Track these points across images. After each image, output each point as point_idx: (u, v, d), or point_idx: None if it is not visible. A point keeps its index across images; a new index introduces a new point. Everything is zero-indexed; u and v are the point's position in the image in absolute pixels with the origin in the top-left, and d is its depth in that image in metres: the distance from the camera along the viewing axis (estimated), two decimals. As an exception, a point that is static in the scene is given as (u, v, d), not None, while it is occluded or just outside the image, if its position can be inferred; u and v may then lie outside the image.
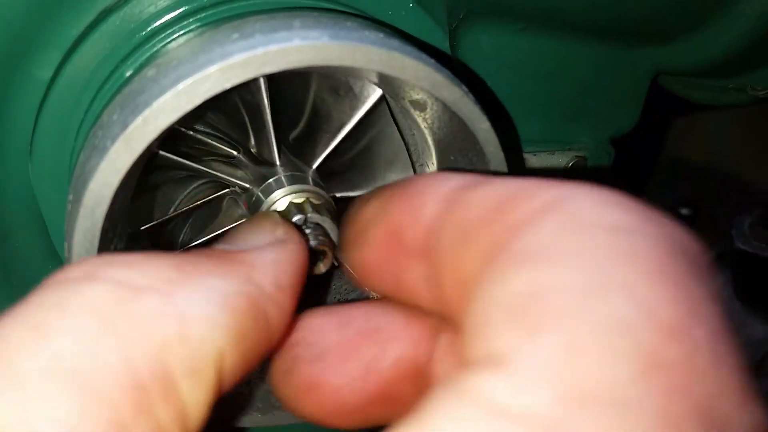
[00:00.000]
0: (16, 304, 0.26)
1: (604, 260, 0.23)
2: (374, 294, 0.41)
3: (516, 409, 0.20)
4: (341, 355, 0.35)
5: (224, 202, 0.56)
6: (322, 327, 0.37)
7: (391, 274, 0.33)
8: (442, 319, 0.34)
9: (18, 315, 0.26)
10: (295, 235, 0.37)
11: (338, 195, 0.50)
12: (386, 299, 0.37)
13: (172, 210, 0.58)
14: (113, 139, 0.36)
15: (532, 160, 0.62)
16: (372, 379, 0.35)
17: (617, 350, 0.21)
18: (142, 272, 0.28)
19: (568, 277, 0.22)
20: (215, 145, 0.51)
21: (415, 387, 0.35)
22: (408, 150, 0.50)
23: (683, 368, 0.21)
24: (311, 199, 0.45)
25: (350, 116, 0.47)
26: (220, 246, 0.35)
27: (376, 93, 0.46)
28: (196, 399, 0.27)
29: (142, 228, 0.53)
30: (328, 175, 0.49)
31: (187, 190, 0.59)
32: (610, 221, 0.24)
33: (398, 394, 0.35)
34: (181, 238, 0.60)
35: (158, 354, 0.25)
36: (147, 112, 0.35)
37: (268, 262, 0.33)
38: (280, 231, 0.37)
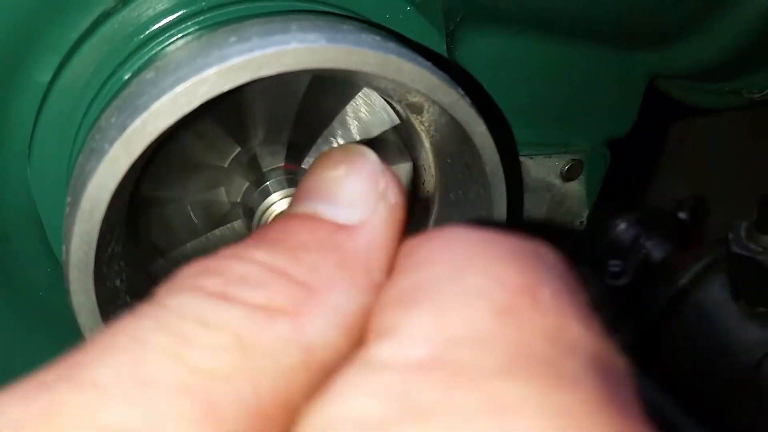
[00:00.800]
0: (147, 302, 0.26)
1: (467, 256, 0.27)
2: None
3: (399, 361, 0.24)
4: None
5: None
6: None
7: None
8: None
9: (157, 316, 0.25)
10: (400, 193, 0.32)
11: None
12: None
13: None
14: (111, 142, 0.36)
15: (529, 163, 0.62)
16: None
17: (474, 306, 0.25)
18: (274, 293, 0.26)
19: (438, 271, 0.27)
20: (215, 142, 0.51)
21: None
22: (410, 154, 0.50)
23: (530, 310, 0.25)
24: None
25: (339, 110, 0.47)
26: (322, 207, 0.30)
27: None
28: None
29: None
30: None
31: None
32: (474, 237, 0.29)
33: None
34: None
35: (283, 383, 0.25)
36: (145, 115, 0.35)
37: (379, 246, 0.30)
38: (383, 184, 0.31)
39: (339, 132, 0.49)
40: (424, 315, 0.25)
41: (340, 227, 0.30)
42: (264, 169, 0.48)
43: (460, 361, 0.24)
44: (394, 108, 0.48)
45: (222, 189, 0.54)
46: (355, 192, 0.31)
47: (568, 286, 0.27)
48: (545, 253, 0.29)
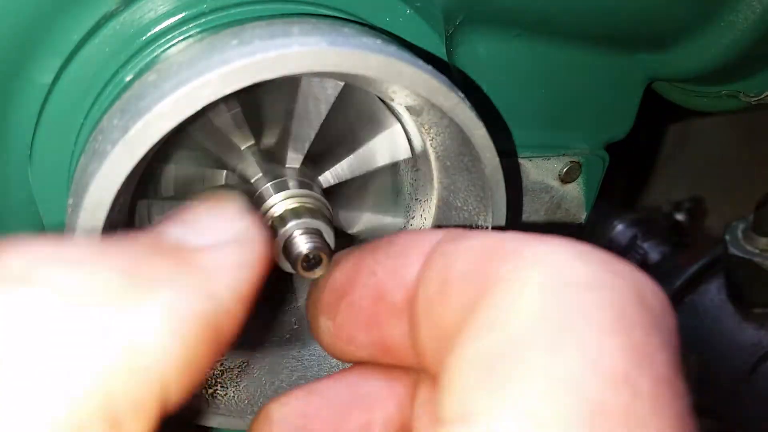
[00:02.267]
0: None
1: (565, 318, 0.25)
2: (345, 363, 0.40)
3: None
4: (332, 430, 0.36)
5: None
6: (307, 409, 0.36)
7: (375, 335, 0.34)
8: (420, 374, 0.36)
9: None
10: (259, 233, 0.32)
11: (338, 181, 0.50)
12: (360, 364, 0.37)
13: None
14: (113, 144, 0.36)
15: (527, 165, 0.63)
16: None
17: (563, 401, 0.23)
18: (90, 277, 0.24)
19: (531, 335, 0.25)
20: (228, 137, 0.51)
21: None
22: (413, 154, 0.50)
23: (625, 413, 0.23)
24: (307, 204, 0.45)
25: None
26: (177, 228, 0.30)
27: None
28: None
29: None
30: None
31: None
32: (578, 278, 0.26)
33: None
34: None
35: (102, 388, 0.22)
36: (147, 117, 0.36)
37: (230, 267, 0.29)
38: (244, 224, 0.31)
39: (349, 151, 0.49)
40: (512, 409, 0.24)
41: (186, 246, 0.29)
42: (276, 166, 0.48)
43: None
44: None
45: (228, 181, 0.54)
46: (210, 222, 0.31)
47: (672, 367, 0.25)
48: (648, 292, 0.27)
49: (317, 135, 0.47)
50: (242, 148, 0.50)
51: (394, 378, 0.37)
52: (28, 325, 0.22)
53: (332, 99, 0.46)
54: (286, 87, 0.45)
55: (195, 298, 0.26)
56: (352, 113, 0.49)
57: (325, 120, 0.47)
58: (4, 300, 0.22)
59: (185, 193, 0.49)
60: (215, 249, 0.29)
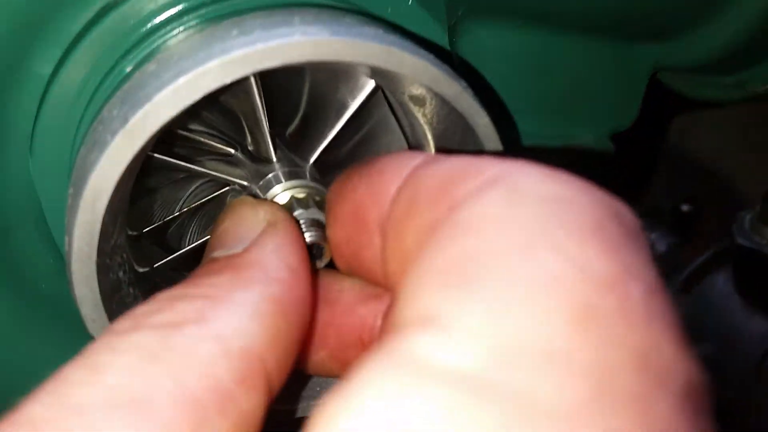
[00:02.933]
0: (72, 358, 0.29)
1: (538, 224, 0.23)
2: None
3: (445, 367, 0.20)
4: None
5: (228, 198, 0.56)
6: None
7: (352, 250, 0.36)
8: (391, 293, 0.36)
9: (74, 360, 0.28)
10: (278, 211, 0.38)
11: None
12: (351, 274, 0.39)
13: (177, 209, 0.58)
14: (113, 133, 0.36)
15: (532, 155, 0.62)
16: (321, 342, 0.38)
17: (548, 304, 0.20)
18: (177, 311, 0.30)
19: (500, 240, 0.23)
20: (212, 144, 0.52)
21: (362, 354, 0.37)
22: (408, 144, 0.50)
23: (618, 319, 0.20)
24: (310, 194, 0.45)
25: (349, 104, 0.47)
26: (217, 252, 0.36)
27: (369, 84, 0.46)
28: (251, 404, 0.29)
29: (145, 230, 0.54)
30: (327, 168, 0.50)
31: (190, 190, 0.59)
32: (546, 192, 0.24)
33: (347, 358, 0.38)
34: (188, 236, 0.60)
35: (206, 370, 0.28)
36: (147, 107, 0.35)
37: (271, 252, 0.34)
38: (262, 213, 0.38)
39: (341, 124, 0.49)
40: (480, 307, 0.21)
41: (232, 255, 0.35)
42: (264, 164, 0.48)
43: (521, 387, 0.19)
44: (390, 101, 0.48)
45: (225, 185, 0.55)
46: (238, 230, 0.37)
47: (658, 279, 0.23)
48: (625, 213, 0.25)
49: (294, 118, 0.47)
50: (228, 155, 0.50)
51: (368, 294, 0.39)
52: (141, 349, 0.28)
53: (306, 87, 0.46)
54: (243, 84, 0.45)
55: (259, 286, 0.32)
56: (324, 82, 0.48)
57: (297, 101, 0.47)
58: (122, 339, 0.29)
59: None
60: (254, 245, 0.35)
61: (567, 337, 0.20)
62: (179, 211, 0.57)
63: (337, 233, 0.38)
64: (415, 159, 0.32)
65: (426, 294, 0.23)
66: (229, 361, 0.29)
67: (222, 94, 0.37)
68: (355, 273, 0.38)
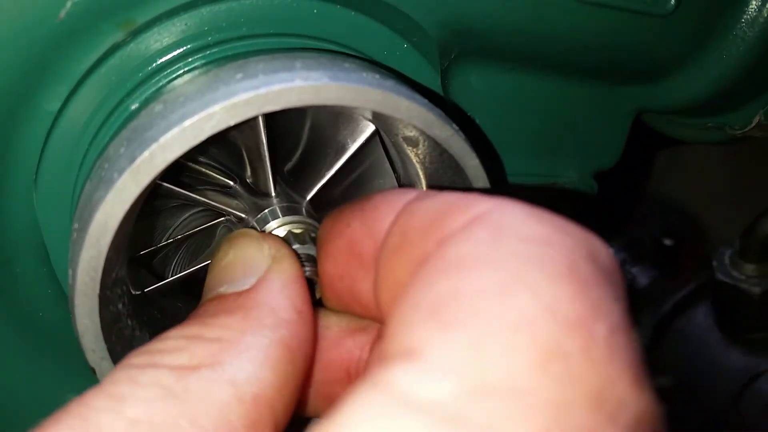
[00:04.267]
0: (94, 386, 0.30)
1: (516, 265, 0.25)
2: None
3: (422, 399, 0.22)
4: None
5: (218, 230, 0.57)
6: None
7: (347, 285, 0.36)
8: (383, 328, 0.37)
9: (97, 388, 0.30)
10: (283, 247, 0.39)
11: None
12: (341, 310, 0.40)
13: (166, 236, 0.59)
14: (120, 172, 0.37)
15: (519, 193, 0.64)
16: (307, 381, 0.39)
17: (517, 343, 0.22)
18: (192, 354, 0.32)
19: (482, 281, 0.24)
20: (212, 176, 0.53)
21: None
22: (399, 183, 0.52)
23: (579, 358, 0.22)
24: (306, 230, 0.47)
25: (348, 146, 0.49)
26: (224, 288, 0.37)
27: (369, 127, 0.48)
28: None
29: (139, 254, 0.55)
30: (321, 206, 0.51)
31: (182, 218, 0.60)
32: (527, 232, 0.26)
33: (333, 394, 0.39)
34: (174, 264, 0.61)
35: (220, 415, 0.29)
36: (154, 147, 0.37)
37: (279, 293, 0.35)
38: (267, 248, 0.38)
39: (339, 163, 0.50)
40: (459, 344, 0.23)
41: (240, 294, 0.36)
42: (262, 198, 0.50)
43: (487, 421, 0.21)
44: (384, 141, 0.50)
45: (218, 216, 0.56)
46: (244, 266, 0.37)
47: (624, 318, 0.24)
48: (600, 251, 0.27)
49: (293, 155, 0.48)
50: (227, 186, 0.52)
51: (356, 330, 0.39)
52: (161, 386, 0.30)
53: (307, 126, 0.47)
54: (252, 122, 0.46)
55: (269, 331, 0.33)
56: (325, 122, 0.50)
57: (297, 139, 0.48)
58: (141, 372, 0.30)
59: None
60: (261, 283, 0.36)
61: (530, 376, 0.22)
62: (170, 238, 0.58)
63: (329, 269, 0.38)
64: (408, 195, 0.34)
65: (411, 328, 0.25)
66: (241, 407, 0.30)
67: (227, 129, 0.38)
68: (347, 308, 0.39)
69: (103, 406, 0.28)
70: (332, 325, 0.40)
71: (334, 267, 0.38)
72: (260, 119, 0.45)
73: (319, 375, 0.39)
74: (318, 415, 0.41)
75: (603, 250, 0.27)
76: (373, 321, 0.38)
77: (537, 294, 0.24)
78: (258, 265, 0.37)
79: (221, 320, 0.34)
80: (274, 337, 0.33)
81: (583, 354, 0.22)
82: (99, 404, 0.29)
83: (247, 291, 0.36)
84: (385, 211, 0.34)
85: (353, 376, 0.39)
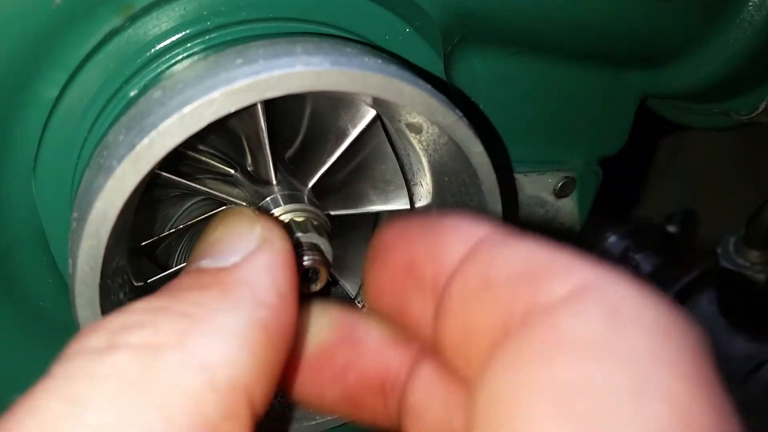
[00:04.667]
0: (42, 377, 0.27)
1: (644, 362, 0.24)
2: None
3: None
4: (318, 353, 0.37)
5: None
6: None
7: (398, 301, 0.35)
8: (428, 350, 0.36)
9: (48, 388, 0.26)
10: (275, 228, 0.36)
11: (332, 213, 0.51)
12: (382, 318, 0.38)
13: (169, 226, 0.59)
14: (119, 160, 0.37)
15: (523, 180, 0.64)
16: (337, 381, 0.37)
17: None
18: (156, 329, 0.28)
19: (612, 375, 0.24)
20: (213, 164, 0.53)
21: (381, 401, 0.36)
22: (403, 170, 0.51)
23: None
24: (308, 218, 0.46)
25: (349, 132, 0.48)
26: (206, 261, 0.34)
27: (370, 113, 0.47)
28: None
29: (140, 244, 0.54)
30: (323, 193, 0.51)
31: (184, 207, 0.60)
32: (647, 319, 0.25)
33: (363, 402, 0.37)
34: (177, 254, 0.61)
35: (194, 406, 0.27)
36: (153, 134, 0.36)
37: (263, 272, 0.33)
38: (259, 228, 0.35)
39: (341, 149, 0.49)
40: None
41: (221, 269, 0.33)
42: (263, 186, 0.49)
43: None
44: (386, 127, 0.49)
45: (220, 205, 0.55)
46: (230, 242, 0.34)
47: (734, 412, 0.25)
48: (700, 338, 0.26)
49: (293, 142, 0.48)
50: (228, 175, 0.51)
51: (396, 342, 0.37)
52: (122, 378, 0.26)
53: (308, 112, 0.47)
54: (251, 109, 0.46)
55: (246, 311, 0.30)
56: (325, 108, 0.49)
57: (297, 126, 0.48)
58: (98, 362, 0.27)
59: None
60: (245, 261, 0.33)
61: None
62: (173, 228, 0.58)
63: (382, 280, 0.36)
64: (482, 228, 0.32)
65: (538, 421, 0.24)
66: (216, 396, 0.27)
67: (227, 116, 0.37)
68: (391, 320, 0.37)
69: (60, 414, 0.25)
70: (372, 330, 0.38)
71: (388, 279, 0.35)
72: (259, 106, 0.45)
73: (352, 380, 0.37)
74: (334, 414, 0.38)
75: (703, 337, 0.27)
76: (417, 340, 0.36)
77: (671, 400, 0.23)
78: (245, 244, 0.34)
79: (194, 294, 0.31)
80: (251, 319, 0.30)
81: None
82: (55, 412, 0.25)
83: (229, 268, 0.33)
84: (456, 241, 0.32)
85: (388, 392, 0.36)
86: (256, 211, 0.37)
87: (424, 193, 0.52)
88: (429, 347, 0.34)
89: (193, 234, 0.60)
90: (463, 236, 0.32)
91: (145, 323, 0.29)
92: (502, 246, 0.30)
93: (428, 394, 0.35)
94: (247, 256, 0.33)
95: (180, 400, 0.26)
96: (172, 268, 0.53)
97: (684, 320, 0.26)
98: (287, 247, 0.35)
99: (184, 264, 0.51)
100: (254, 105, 0.44)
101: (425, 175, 0.51)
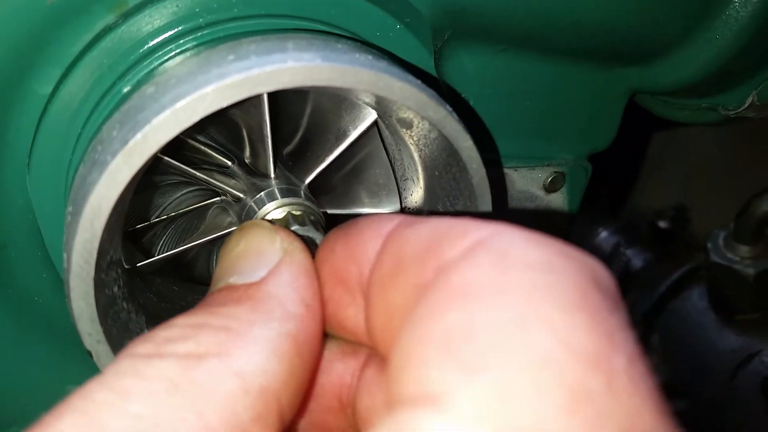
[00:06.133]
0: (96, 376, 0.30)
1: (527, 296, 0.25)
2: None
3: None
4: None
5: (210, 211, 0.57)
6: None
7: (332, 309, 0.36)
8: (370, 354, 0.37)
9: (99, 381, 0.29)
10: (296, 241, 0.38)
11: (328, 212, 0.52)
12: (327, 333, 0.39)
13: (156, 214, 0.59)
14: (113, 154, 0.37)
15: (513, 175, 0.64)
16: (300, 413, 0.38)
17: (542, 384, 0.23)
18: (197, 342, 0.31)
19: (494, 313, 0.25)
20: (211, 154, 0.53)
21: (343, 419, 0.38)
22: (393, 166, 0.52)
23: (605, 395, 0.23)
24: (306, 213, 0.47)
25: (350, 132, 0.49)
26: (234, 278, 0.36)
27: (371, 115, 0.48)
28: None
29: (129, 229, 0.55)
30: (317, 192, 0.51)
31: (174, 197, 0.60)
32: (531, 258, 0.26)
33: (326, 424, 0.38)
34: (162, 242, 0.61)
35: (227, 407, 0.29)
36: (147, 129, 0.37)
37: (289, 285, 0.35)
38: (279, 241, 0.38)
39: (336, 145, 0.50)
40: (486, 388, 0.23)
41: (250, 285, 0.35)
42: (261, 179, 0.50)
43: None
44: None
45: (212, 196, 0.56)
46: (255, 257, 0.37)
47: (637, 346, 0.25)
48: (602, 275, 0.27)
49: (293, 138, 0.48)
50: (224, 166, 0.52)
51: (346, 354, 0.39)
52: (166, 378, 0.29)
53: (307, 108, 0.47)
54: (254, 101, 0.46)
55: (278, 323, 0.33)
56: (327, 107, 0.50)
57: (298, 122, 0.48)
58: (145, 363, 0.30)
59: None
60: (271, 275, 0.35)
61: (560, 420, 0.22)
62: (161, 216, 0.58)
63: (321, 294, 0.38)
64: (393, 221, 0.34)
65: (427, 368, 0.25)
66: (248, 399, 0.30)
67: (227, 107, 0.38)
68: (333, 333, 0.38)
69: (106, 401, 0.28)
70: (324, 349, 0.39)
71: (324, 293, 0.37)
72: (264, 98, 0.45)
73: (313, 403, 0.38)
74: None
75: (605, 274, 0.27)
76: (361, 345, 0.38)
77: (553, 328, 0.24)
78: (269, 257, 0.37)
79: (229, 309, 0.34)
80: (282, 330, 0.33)
81: (608, 390, 0.23)
82: (102, 398, 0.28)
83: (257, 282, 0.35)
84: (370, 236, 0.34)
85: (345, 404, 0.38)
86: (273, 223, 0.40)
87: (415, 188, 0.53)
88: (369, 347, 0.35)
89: (179, 225, 0.61)
90: (376, 232, 0.34)
91: (187, 336, 0.32)
92: (408, 229, 0.32)
93: (372, 396, 0.36)
94: (273, 270, 0.36)
95: (215, 400, 0.29)
96: (155, 255, 0.54)
97: (575, 256, 0.27)
98: (308, 258, 0.38)
99: (175, 251, 0.51)
100: (259, 97, 0.45)
101: (416, 169, 0.52)
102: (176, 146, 0.50)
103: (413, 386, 0.25)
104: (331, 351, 0.39)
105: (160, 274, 0.55)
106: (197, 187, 0.59)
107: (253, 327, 0.32)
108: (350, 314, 0.36)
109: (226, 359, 0.31)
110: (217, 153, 0.53)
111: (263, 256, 0.37)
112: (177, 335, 0.32)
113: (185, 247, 0.51)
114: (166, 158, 0.45)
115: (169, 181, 0.58)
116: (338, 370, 0.38)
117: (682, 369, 1.10)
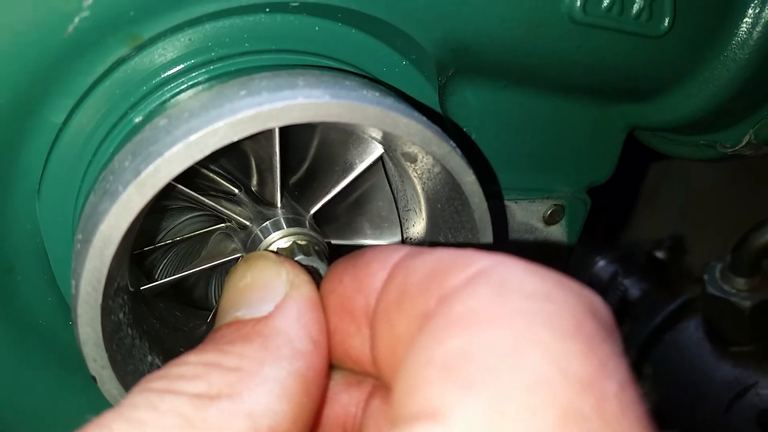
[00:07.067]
0: (113, 408, 0.30)
1: (525, 323, 0.26)
2: None
3: None
4: None
5: (212, 237, 0.58)
6: None
7: (338, 340, 0.37)
8: (376, 384, 0.38)
9: (115, 412, 0.30)
10: (302, 273, 0.39)
11: (332, 242, 0.52)
12: (332, 364, 0.40)
13: (159, 238, 0.60)
14: (125, 185, 0.38)
15: (513, 207, 0.65)
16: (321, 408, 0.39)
17: (535, 404, 0.24)
18: (210, 382, 0.32)
19: (492, 339, 0.26)
20: (219, 182, 0.54)
21: None
22: (395, 198, 0.53)
23: (595, 417, 0.24)
24: (311, 242, 0.47)
25: (356, 165, 0.50)
26: (241, 312, 0.37)
27: (378, 149, 0.49)
28: None
29: (134, 252, 0.55)
30: (321, 222, 0.52)
31: (177, 222, 0.61)
32: (530, 288, 0.27)
33: None
34: (161, 266, 0.61)
35: None
36: (159, 161, 0.38)
37: (296, 321, 0.36)
38: (285, 274, 0.38)
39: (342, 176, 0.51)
40: (481, 406, 0.24)
41: (259, 320, 0.36)
42: (267, 208, 0.50)
43: None
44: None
45: (216, 223, 0.57)
46: (262, 290, 0.37)
47: (629, 374, 0.26)
48: (599, 306, 0.28)
49: (299, 168, 0.49)
50: (231, 194, 0.52)
51: (351, 384, 0.39)
52: (180, 414, 0.30)
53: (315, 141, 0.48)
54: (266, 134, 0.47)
55: (287, 361, 0.33)
56: (335, 140, 0.51)
57: (305, 153, 0.49)
58: (160, 398, 0.31)
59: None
60: (278, 310, 0.36)
61: None
62: (165, 239, 0.59)
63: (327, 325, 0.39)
64: (399, 252, 0.35)
65: (428, 388, 0.26)
66: None
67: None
68: (339, 363, 0.39)
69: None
70: (329, 379, 0.40)
71: (330, 324, 0.38)
72: (276, 131, 0.46)
73: None
74: None
75: (601, 305, 0.29)
76: (367, 376, 0.38)
77: (548, 353, 0.25)
78: (276, 290, 0.37)
79: (239, 348, 0.34)
80: (291, 369, 0.33)
81: (598, 413, 0.24)
82: (118, 429, 0.29)
83: (265, 318, 0.36)
84: (377, 268, 0.35)
85: None
86: (279, 255, 0.40)
87: (417, 219, 0.54)
88: (375, 378, 0.36)
89: (180, 250, 0.61)
90: (384, 263, 0.34)
91: (200, 376, 0.32)
92: (414, 259, 0.33)
93: (378, 426, 0.37)
94: (280, 304, 0.36)
95: None
96: (156, 277, 0.54)
97: (572, 288, 0.28)
98: (314, 291, 0.38)
99: (176, 276, 0.52)
100: (271, 129, 0.46)
101: (419, 201, 0.53)
102: (185, 173, 0.50)
103: (414, 405, 0.26)
104: (336, 382, 0.39)
105: (161, 298, 0.56)
106: (202, 213, 0.59)
107: (263, 367, 0.33)
108: (356, 344, 0.36)
109: (238, 400, 0.31)
110: (224, 180, 0.54)
111: (270, 289, 0.37)
112: (190, 374, 0.32)
113: (191, 271, 0.52)
114: (180, 186, 0.46)
115: (174, 206, 0.58)
116: (343, 401, 0.38)
117: (678, 399, 1.11)
